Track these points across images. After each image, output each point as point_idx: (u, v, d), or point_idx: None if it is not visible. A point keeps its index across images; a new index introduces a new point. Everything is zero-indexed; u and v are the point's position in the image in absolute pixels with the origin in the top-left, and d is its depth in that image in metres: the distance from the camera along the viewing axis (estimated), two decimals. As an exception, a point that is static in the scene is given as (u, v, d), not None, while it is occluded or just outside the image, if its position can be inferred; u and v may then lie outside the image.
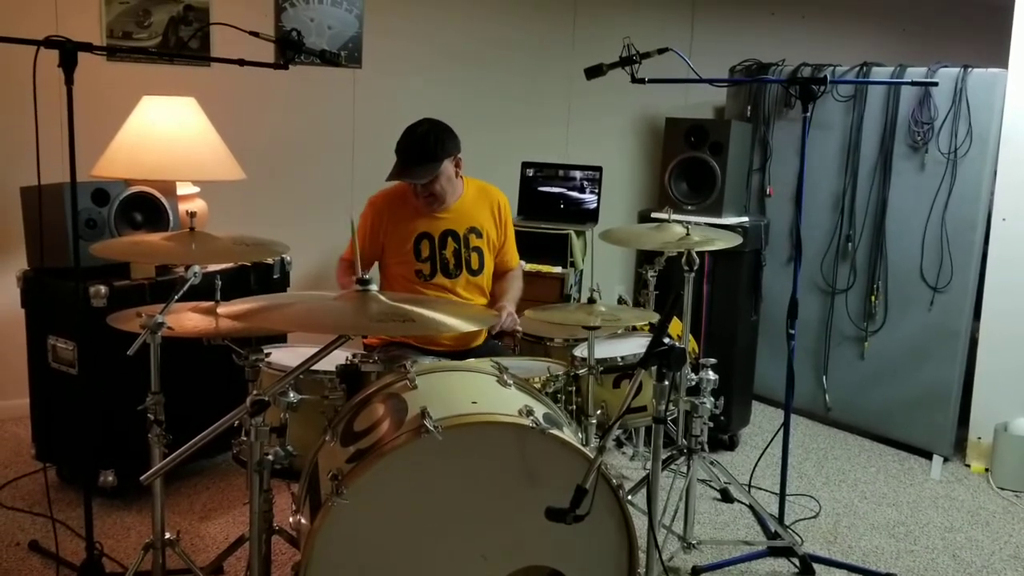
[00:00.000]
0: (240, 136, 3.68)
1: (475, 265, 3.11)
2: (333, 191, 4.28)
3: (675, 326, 3.01)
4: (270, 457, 1.91)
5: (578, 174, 4.28)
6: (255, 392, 1.82)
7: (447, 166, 2.96)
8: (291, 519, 2.12)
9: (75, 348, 2.94)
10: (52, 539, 2.73)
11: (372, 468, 1.82)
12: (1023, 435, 3.58)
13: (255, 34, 2.51)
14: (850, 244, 4.04)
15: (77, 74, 2.22)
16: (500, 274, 3.25)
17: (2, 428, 3.70)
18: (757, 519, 3.18)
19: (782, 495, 2.98)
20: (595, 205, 4.23)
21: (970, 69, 3.65)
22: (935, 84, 3.63)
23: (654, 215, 3.68)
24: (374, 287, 1.99)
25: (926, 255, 3.81)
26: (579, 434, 2.42)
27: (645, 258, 3.33)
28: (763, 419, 4.21)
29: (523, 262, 3.43)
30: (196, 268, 2.42)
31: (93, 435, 2.94)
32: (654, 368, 1.86)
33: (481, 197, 3.17)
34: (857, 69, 3.99)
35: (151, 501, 2.33)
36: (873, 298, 3.98)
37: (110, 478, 2.99)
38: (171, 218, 3.14)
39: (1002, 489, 3.57)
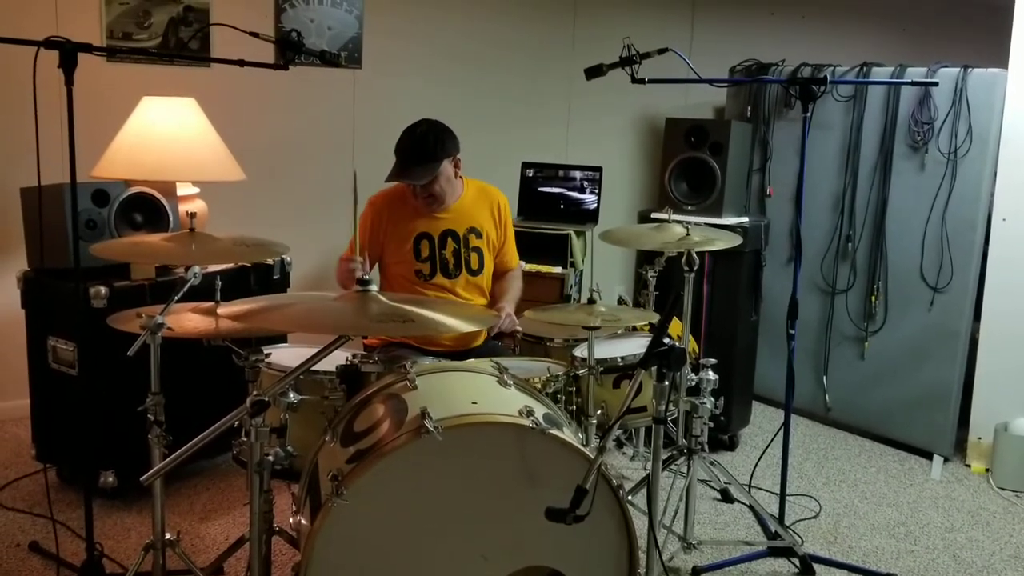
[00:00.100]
0: (240, 137, 3.68)
1: (475, 265, 3.11)
2: (333, 192, 4.28)
3: (675, 326, 3.01)
4: (270, 458, 1.91)
5: (578, 174, 4.28)
6: (255, 393, 1.82)
7: (446, 166, 2.96)
8: (291, 520, 2.12)
9: (75, 349, 2.94)
10: (52, 540, 2.73)
11: (372, 468, 1.82)
12: (1023, 435, 3.57)
13: (255, 35, 2.51)
14: (850, 244, 4.04)
15: (77, 75, 2.22)
16: (500, 274, 3.25)
17: (2, 429, 3.70)
18: (757, 519, 3.18)
19: (782, 495, 2.98)
20: (595, 205, 4.23)
21: (970, 69, 3.65)
22: (935, 84, 3.63)
23: (654, 215, 3.68)
24: (374, 287, 1.99)
25: (926, 255, 3.81)
26: (579, 434, 2.42)
27: (645, 258, 3.33)
28: (763, 419, 4.20)
29: (523, 262, 3.43)
30: (196, 269, 2.42)
31: (93, 436, 2.94)
32: (654, 368, 1.86)
33: (481, 197, 3.17)
34: (857, 69, 3.99)
35: (151, 502, 2.33)
36: (873, 298, 3.98)
37: (110, 479, 2.99)
38: (171, 219, 3.14)
39: (1002, 489, 3.57)
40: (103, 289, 2.88)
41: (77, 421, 2.99)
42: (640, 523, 2.09)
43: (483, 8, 4.59)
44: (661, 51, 2.72)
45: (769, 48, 4.48)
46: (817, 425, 4.23)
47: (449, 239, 3.07)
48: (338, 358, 2.20)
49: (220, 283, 2.52)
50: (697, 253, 2.80)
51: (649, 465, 2.00)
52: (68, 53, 2.19)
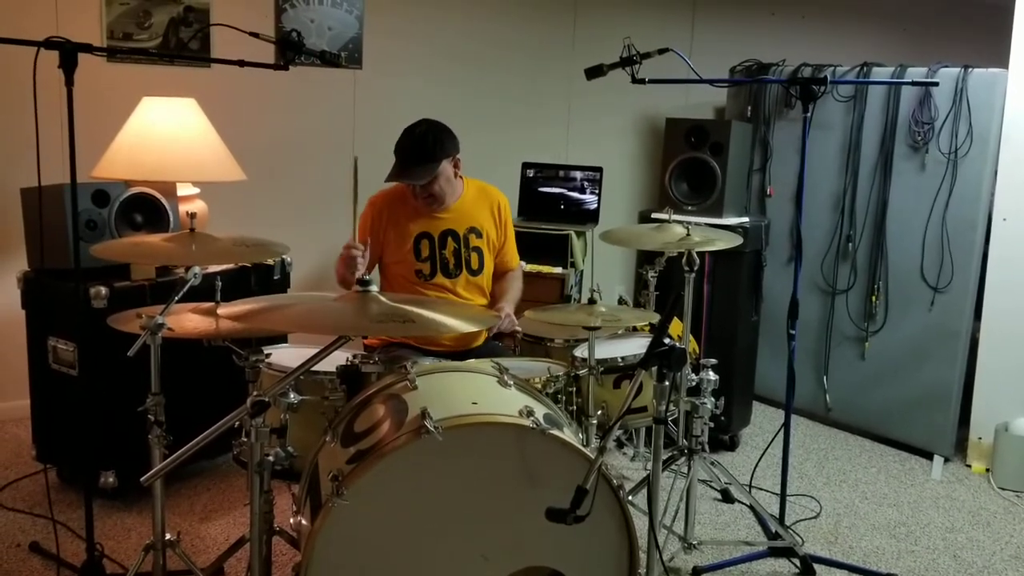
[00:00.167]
0: (240, 137, 3.68)
1: (475, 265, 3.11)
2: (333, 192, 4.28)
3: (675, 326, 3.01)
4: (270, 458, 1.91)
5: (578, 174, 4.28)
6: (255, 393, 1.82)
7: (446, 166, 2.96)
8: (291, 520, 2.12)
9: (75, 349, 2.94)
10: (53, 540, 2.73)
11: (372, 469, 1.82)
12: (1023, 435, 3.58)
13: (255, 35, 2.51)
14: (850, 244, 4.04)
15: (77, 75, 2.22)
16: (500, 275, 3.25)
17: (2, 429, 3.70)
18: (758, 519, 3.18)
19: (783, 495, 2.97)
20: (595, 205, 4.23)
21: (970, 69, 3.65)
22: (935, 84, 3.63)
23: (654, 215, 3.68)
24: (374, 288, 1.99)
25: (927, 255, 3.81)
26: (579, 435, 2.42)
27: (645, 258, 3.33)
28: (764, 419, 4.20)
29: (523, 263, 3.43)
30: (196, 269, 2.42)
31: (93, 436, 2.94)
32: (654, 368, 1.86)
33: (481, 197, 3.17)
34: (857, 69, 3.99)
35: (151, 502, 2.33)
36: (874, 298, 3.98)
37: (111, 479, 2.99)
38: (171, 219, 3.14)
39: (1003, 489, 3.57)
40: (103, 289, 2.88)
41: (77, 421, 2.99)
42: (640, 523, 2.09)
43: (483, 8, 4.59)
44: (661, 51, 2.72)
45: (769, 48, 4.47)
46: (817, 425, 4.22)
47: (449, 239, 3.07)
48: (338, 358, 2.20)
49: (220, 283, 2.52)
50: (697, 253, 2.80)
51: (649, 465, 2.00)
52: (68, 53, 2.19)
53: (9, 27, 3.34)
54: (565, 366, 2.57)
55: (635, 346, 2.86)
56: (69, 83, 2.20)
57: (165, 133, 3.29)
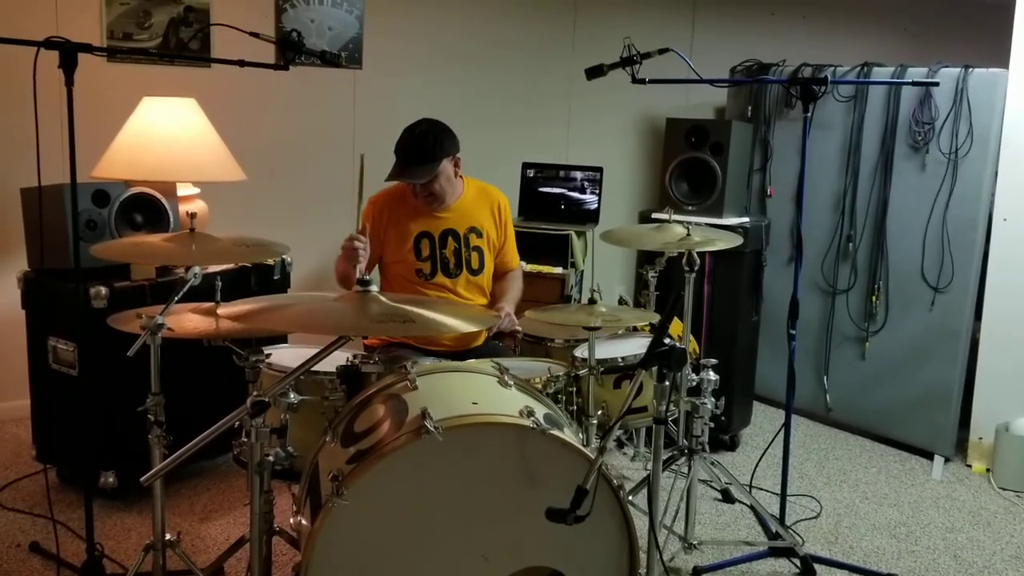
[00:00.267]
0: (240, 137, 3.68)
1: (475, 265, 3.11)
2: (334, 192, 4.28)
3: (676, 326, 3.01)
4: (270, 458, 1.91)
5: (579, 174, 4.28)
6: (255, 393, 1.82)
7: (446, 166, 2.96)
8: (291, 520, 2.12)
9: (75, 349, 2.94)
10: (53, 540, 2.73)
11: (372, 469, 1.82)
12: (1024, 435, 3.58)
13: (255, 35, 2.50)
14: (851, 244, 4.04)
15: (77, 75, 2.22)
16: (500, 275, 3.25)
17: (2, 429, 3.70)
18: (758, 519, 3.18)
19: (783, 495, 2.97)
20: (596, 206, 4.23)
21: (971, 69, 3.65)
22: (936, 84, 3.63)
23: (655, 215, 3.68)
24: (374, 288, 1.99)
25: (927, 255, 3.81)
26: (580, 435, 2.41)
27: (646, 259, 3.33)
28: (764, 419, 4.20)
29: (523, 263, 3.43)
30: (196, 269, 2.42)
31: (94, 436, 2.94)
32: (655, 369, 1.86)
33: (481, 197, 3.16)
34: (858, 69, 3.99)
35: (151, 502, 2.33)
36: (874, 298, 3.98)
37: (111, 479, 2.99)
38: (171, 219, 3.14)
39: (1003, 489, 3.56)
40: (103, 289, 2.88)
41: (77, 421, 2.99)
42: (641, 523, 2.09)
43: (483, 8, 4.58)
44: (662, 51, 2.72)
45: (770, 48, 4.47)
46: (818, 425, 4.22)
47: (450, 238, 3.07)
48: (338, 358, 2.20)
49: (220, 283, 2.52)
50: (698, 253, 2.80)
51: (650, 465, 2.00)
52: (68, 53, 2.19)
53: (9, 27, 3.34)
54: (565, 366, 2.57)
55: (635, 346, 2.86)
56: (69, 83, 2.20)
57: (165, 133, 3.29)
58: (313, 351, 1.95)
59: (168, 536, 2.36)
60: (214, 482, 3.28)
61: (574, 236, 3.99)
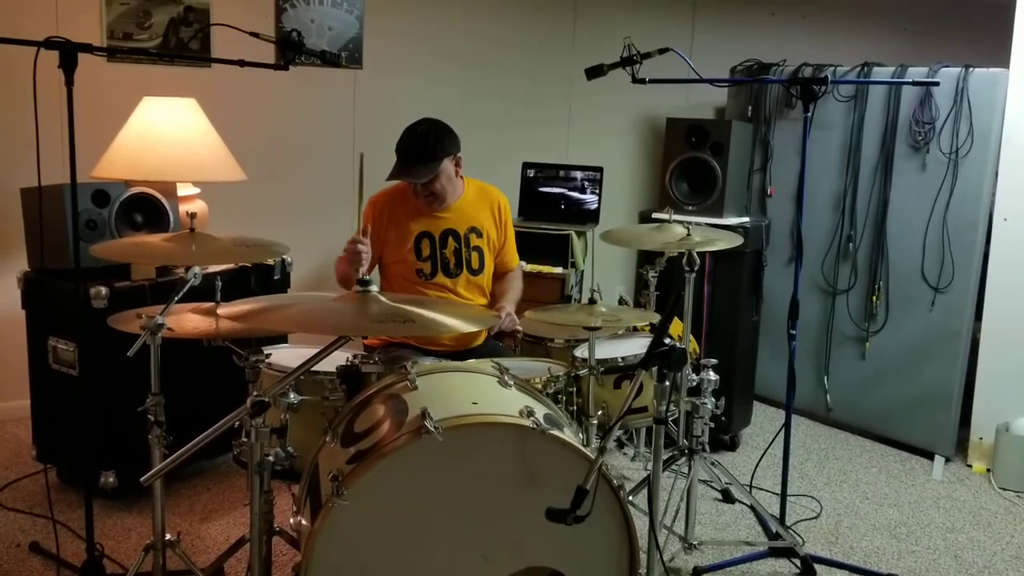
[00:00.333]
0: (241, 137, 3.68)
1: (475, 265, 3.11)
2: (334, 192, 4.28)
3: (676, 327, 3.01)
4: (270, 458, 1.91)
5: (579, 174, 4.28)
6: (255, 393, 1.82)
7: (447, 165, 2.96)
8: (291, 520, 2.12)
9: (75, 349, 2.94)
10: (53, 540, 2.73)
11: (372, 469, 1.82)
12: (1025, 435, 3.58)
13: (255, 35, 2.50)
14: (851, 244, 4.04)
15: (77, 75, 2.22)
16: (500, 275, 3.25)
17: (3, 429, 3.70)
18: (758, 520, 3.18)
19: (783, 496, 2.97)
20: (596, 205, 4.23)
21: (971, 69, 3.65)
22: (936, 84, 3.63)
23: (655, 215, 3.68)
24: (374, 288, 1.99)
25: (927, 255, 3.80)
26: (580, 435, 2.41)
27: (646, 258, 3.33)
28: (764, 419, 4.20)
29: (523, 263, 3.43)
30: (196, 269, 2.42)
31: (94, 436, 2.94)
32: (655, 369, 1.86)
33: (481, 197, 3.16)
34: (858, 69, 3.99)
35: (152, 502, 2.33)
36: (874, 298, 3.98)
37: (111, 479, 2.99)
38: (171, 219, 3.14)
39: (1004, 489, 3.56)
40: (103, 289, 2.88)
41: (77, 421, 2.99)
42: (641, 523, 2.08)
43: (483, 8, 4.58)
44: (662, 51, 2.71)
45: (770, 48, 4.47)
46: (818, 425, 4.22)
47: (450, 238, 3.07)
48: (338, 358, 2.20)
49: (220, 283, 2.52)
50: (698, 253, 2.80)
51: (650, 465, 2.00)
52: (68, 53, 2.19)
53: (9, 27, 3.34)
54: (565, 366, 2.57)
55: (635, 346, 2.85)
56: (69, 83, 2.20)
57: (165, 133, 3.29)
58: (313, 351, 1.95)
59: (168, 536, 2.36)
60: (214, 482, 3.28)
61: (574, 236, 3.99)
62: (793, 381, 2.88)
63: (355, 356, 2.31)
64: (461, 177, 3.10)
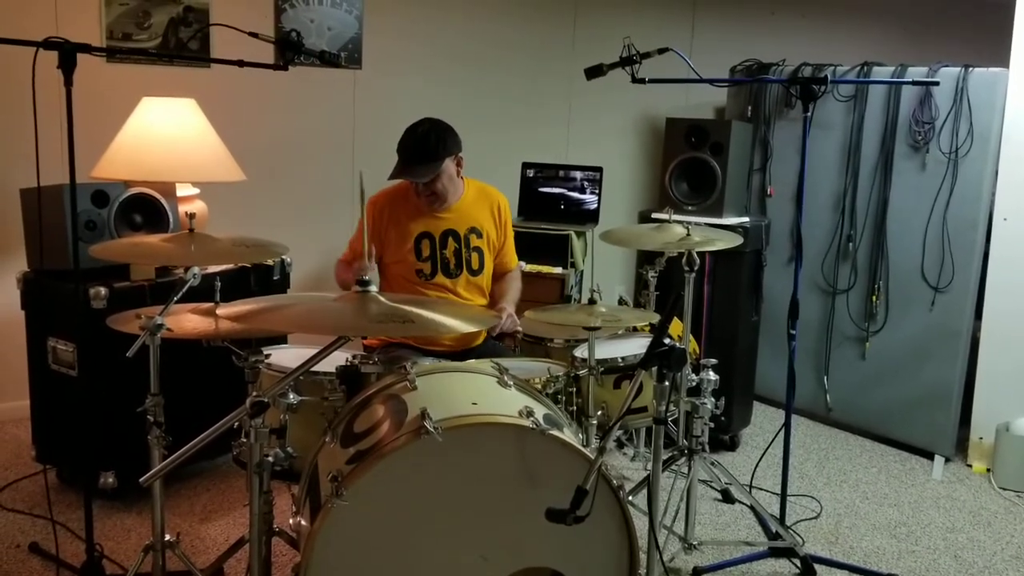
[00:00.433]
0: (240, 137, 3.67)
1: (475, 265, 3.11)
2: (333, 192, 4.28)
3: (676, 327, 3.00)
4: (270, 459, 1.91)
5: (578, 174, 4.28)
6: (255, 393, 1.82)
7: (448, 165, 2.96)
8: (291, 521, 2.12)
9: (75, 350, 2.93)
10: (52, 541, 2.72)
11: (372, 469, 1.82)
12: (1025, 435, 3.57)
13: (254, 35, 2.50)
14: (851, 244, 4.04)
15: (77, 75, 2.21)
16: (499, 275, 3.25)
17: (2, 430, 3.70)
18: (758, 520, 3.18)
19: (783, 496, 2.97)
20: (595, 205, 4.23)
21: (971, 68, 3.65)
22: (936, 84, 3.62)
23: (655, 215, 3.68)
24: (374, 288, 1.99)
25: (927, 255, 3.80)
26: (579, 435, 2.41)
27: (646, 258, 3.33)
28: (764, 419, 4.20)
29: (523, 263, 3.43)
30: (195, 269, 2.42)
31: (93, 437, 2.94)
32: (655, 369, 1.85)
33: (481, 198, 3.16)
34: (858, 69, 3.99)
35: (151, 503, 2.33)
36: (874, 298, 3.98)
37: (110, 480, 2.99)
38: (171, 219, 3.14)
39: (1004, 489, 3.56)
40: (103, 290, 2.88)
41: (77, 422, 2.99)
42: (641, 524, 2.08)
43: (483, 8, 4.58)
44: (661, 51, 2.71)
45: (770, 48, 4.47)
46: (818, 425, 4.22)
47: (450, 239, 3.07)
48: (338, 359, 2.19)
49: (220, 284, 2.52)
50: (698, 253, 2.79)
51: (650, 465, 2.00)
52: (67, 53, 2.19)
53: (8, 27, 3.34)
54: (565, 366, 2.57)
55: (635, 346, 2.85)
56: (68, 83, 2.20)
57: (165, 133, 3.29)
58: (312, 351, 1.94)
59: (168, 537, 2.36)
60: (214, 483, 3.28)
61: (574, 236, 3.99)
62: (793, 381, 2.88)
63: (355, 356, 2.31)
64: (462, 178, 3.09)
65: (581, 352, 2.65)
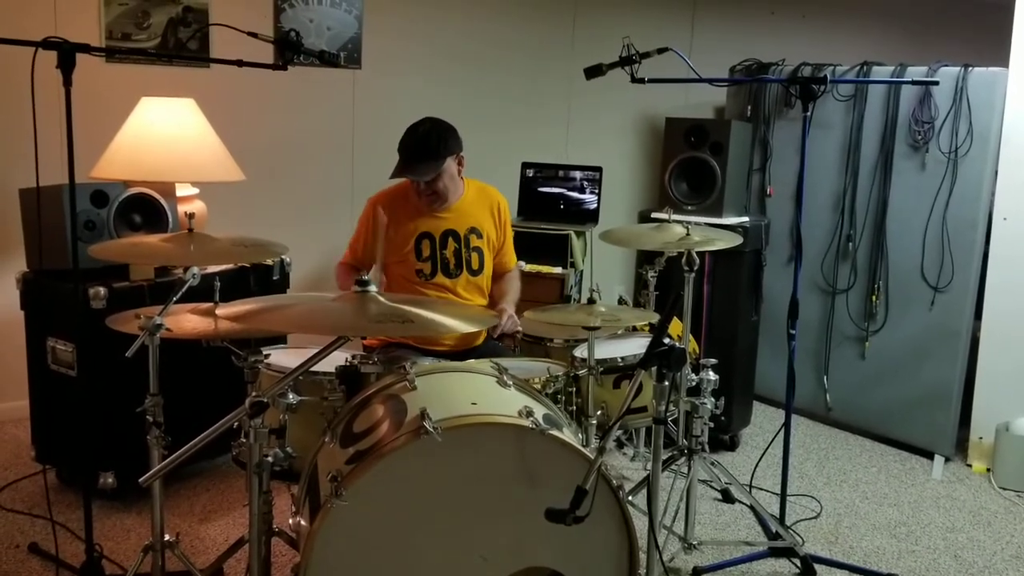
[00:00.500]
0: (239, 137, 3.67)
1: (475, 265, 3.11)
2: (333, 192, 4.28)
3: (675, 326, 3.00)
4: (269, 459, 1.91)
5: (578, 174, 4.28)
6: (254, 394, 1.82)
7: (450, 164, 2.95)
8: (291, 521, 2.12)
9: (74, 350, 2.93)
10: (52, 541, 2.72)
11: (371, 469, 1.82)
12: (1025, 435, 3.57)
13: (253, 35, 2.50)
14: (851, 244, 4.03)
15: (76, 75, 2.21)
16: (498, 275, 3.25)
17: (2, 430, 3.70)
18: (758, 519, 3.18)
19: (783, 495, 2.97)
20: (595, 205, 4.23)
21: (971, 68, 3.65)
22: (935, 83, 3.62)
23: (654, 215, 3.68)
24: (373, 288, 1.99)
25: (927, 255, 3.80)
26: (579, 435, 2.41)
27: (645, 258, 3.33)
28: (764, 419, 4.20)
29: (522, 263, 3.42)
30: (195, 269, 2.42)
31: (93, 437, 2.94)
32: (654, 369, 1.85)
33: (481, 198, 3.16)
34: (857, 68, 3.99)
35: (151, 503, 2.33)
36: (874, 298, 3.98)
37: (110, 480, 2.99)
38: (170, 219, 3.14)
39: (1004, 489, 3.56)
40: (102, 290, 2.87)
41: (76, 422, 2.99)
42: (640, 523, 2.08)
43: (483, 8, 4.58)
44: (661, 51, 2.71)
45: (769, 47, 4.47)
46: (818, 425, 4.22)
47: (450, 239, 3.06)
48: (338, 359, 2.19)
49: (219, 284, 2.51)
50: (697, 253, 2.79)
51: (649, 465, 2.00)
52: (66, 53, 2.18)
53: (8, 27, 3.33)
54: (565, 366, 2.57)
55: (635, 346, 2.85)
56: (67, 83, 2.20)
57: (164, 133, 3.29)
58: (312, 351, 1.94)
59: (167, 537, 2.36)
60: (213, 483, 3.28)
61: (573, 236, 3.99)
62: (793, 381, 2.88)
63: (354, 356, 2.31)
64: (462, 178, 3.09)
65: (581, 352, 2.65)
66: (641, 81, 2.72)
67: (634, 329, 3.04)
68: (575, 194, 4.26)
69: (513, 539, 1.92)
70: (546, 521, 1.71)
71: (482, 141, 3.74)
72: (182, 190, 3.38)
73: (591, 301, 2.66)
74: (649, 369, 1.87)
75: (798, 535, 3.01)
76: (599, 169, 4.25)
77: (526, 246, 3.55)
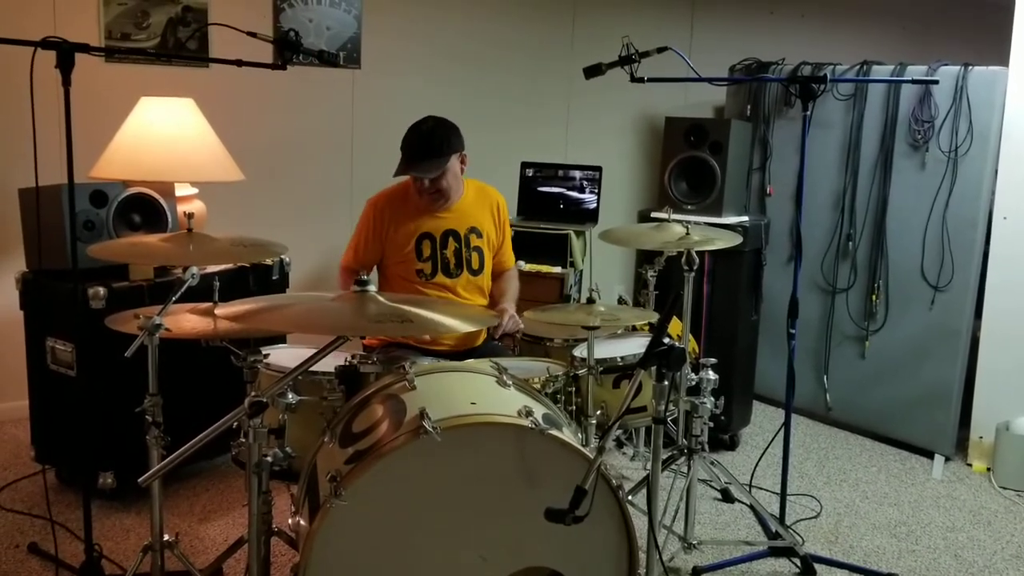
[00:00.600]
0: (239, 137, 3.67)
1: (475, 265, 3.11)
2: (332, 192, 4.27)
3: (675, 326, 3.00)
4: (269, 459, 1.91)
5: (578, 174, 4.27)
6: (253, 393, 1.82)
7: (454, 162, 2.95)
8: (290, 521, 2.12)
9: (73, 350, 2.93)
10: (51, 541, 2.72)
11: (371, 469, 1.82)
12: (1025, 434, 3.57)
13: (253, 35, 2.50)
14: (851, 243, 4.03)
15: (75, 75, 2.21)
16: (497, 274, 3.24)
17: (1, 430, 3.70)
18: (758, 519, 3.18)
19: (783, 495, 2.97)
20: (595, 205, 4.23)
21: (971, 67, 3.64)
22: (935, 82, 3.62)
23: (654, 215, 3.68)
24: (372, 288, 1.98)
25: (927, 254, 3.80)
26: (579, 434, 2.41)
27: (645, 258, 3.33)
28: (764, 419, 4.20)
29: (521, 262, 3.42)
30: (194, 269, 2.42)
31: (92, 437, 2.94)
32: (654, 368, 1.85)
33: (481, 197, 3.16)
34: (857, 68, 3.99)
35: (150, 503, 2.33)
36: (874, 297, 3.98)
37: (109, 480, 2.99)
38: (169, 219, 3.14)
39: (1004, 489, 3.56)
40: (101, 290, 2.87)
41: (76, 422, 2.99)
42: (640, 523, 2.08)
43: (483, 8, 4.58)
44: (660, 50, 2.71)
45: (769, 47, 4.47)
46: (818, 424, 4.22)
47: (451, 239, 3.06)
48: (337, 359, 2.19)
49: (218, 284, 2.51)
50: (697, 252, 2.79)
51: (649, 465, 2.00)
52: (65, 53, 2.18)
53: (7, 27, 3.33)
54: (564, 366, 2.57)
55: (634, 346, 2.85)
56: (66, 83, 2.20)
57: (163, 133, 3.29)
58: (311, 351, 1.94)
59: (167, 537, 2.36)
60: (213, 483, 3.28)
61: (573, 235, 3.99)
62: (792, 380, 2.88)
63: (354, 356, 2.31)
64: (463, 177, 3.09)
65: (580, 351, 2.65)
66: (640, 80, 2.72)
67: (634, 329, 3.04)
68: (575, 194, 4.26)
69: (512, 539, 1.92)
70: (545, 521, 1.71)
71: (482, 141, 3.73)
72: (181, 190, 3.38)
73: (591, 301, 2.66)
74: (649, 369, 1.87)
75: (798, 535, 3.01)
76: (599, 169, 4.25)
77: (526, 246, 3.55)
